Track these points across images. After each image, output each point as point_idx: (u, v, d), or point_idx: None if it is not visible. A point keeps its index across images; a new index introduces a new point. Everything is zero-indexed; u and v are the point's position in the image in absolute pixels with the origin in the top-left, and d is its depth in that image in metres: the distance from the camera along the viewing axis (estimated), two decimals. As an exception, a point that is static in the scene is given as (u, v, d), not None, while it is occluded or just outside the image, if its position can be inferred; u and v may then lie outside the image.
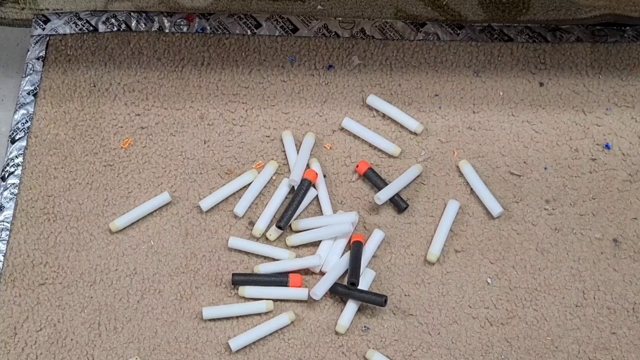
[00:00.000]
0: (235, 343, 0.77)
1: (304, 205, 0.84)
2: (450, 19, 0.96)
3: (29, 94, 0.92)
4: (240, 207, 0.84)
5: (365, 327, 0.79)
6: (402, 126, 0.89)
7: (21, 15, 0.97)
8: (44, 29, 0.95)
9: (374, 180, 0.86)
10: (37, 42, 0.95)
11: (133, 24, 0.96)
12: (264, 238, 0.83)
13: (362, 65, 0.93)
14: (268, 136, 0.89)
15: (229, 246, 0.82)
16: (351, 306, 0.79)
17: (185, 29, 0.95)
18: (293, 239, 0.82)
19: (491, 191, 0.85)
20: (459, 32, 0.95)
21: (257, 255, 0.82)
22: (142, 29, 0.95)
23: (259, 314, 0.79)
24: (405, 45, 0.94)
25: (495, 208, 0.84)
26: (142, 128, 0.89)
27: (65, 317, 0.79)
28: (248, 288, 0.79)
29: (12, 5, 0.96)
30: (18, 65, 0.98)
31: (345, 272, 0.81)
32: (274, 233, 0.83)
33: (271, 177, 0.86)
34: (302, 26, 0.96)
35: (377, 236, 0.83)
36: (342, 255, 0.82)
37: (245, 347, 0.78)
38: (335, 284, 0.80)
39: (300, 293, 0.80)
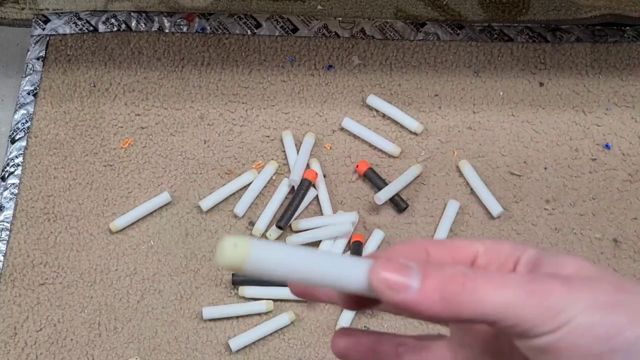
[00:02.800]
0: (235, 343, 0.77)
1: (304, 205, 0.84)
2: (450, 19, 0.96)
3: (29, 94, 0.92)
4: (240, 207, 0.84)
5: (365, 327, 0.79)
6: (402, 126, 0.89)
7: (21, 15, 0.97)
8: (44, 29, 0.95)
9: (374, 180, 0.86)
10: (37, 42, 0.95)
11: (133, 24, 0.96)
12: (264, 238, 0.83)
13: (362, 65, 0.93)
14: (268, 136, 0.89)
15: (229, 246, 0.82)
16: (351, 306, 0.79)
17: (185, 29, 0.95)
18: (293, 239, 0.82)
19: (491, 191, 0.85)
20: (459, 32, 0.95)
21: (257, 255, 0.82)
22: (142, 29, 0.95)
23: (259, 314, 0.79)
24: (405, 45, 0.94)
25: (495, 208, 0.84)
26: (142, 128, 0.89)
27: (65, 317, 0.79)
28: (248, 288, 0.80)
29: (12, 5, 0.96)
30: (18, 65, 0.98)
31: (345, 272, 0.81)
32: (274, 233, 0.83)
33: (271, 177, 0.86)
34: (302, 26, 0.96)
35: (377, 236, 0.83)
36: (342, 255, 0.82)
37: (245, 347, 0.78)
38: (335, 284, 0.79)
39: (300, 293, 0.80)
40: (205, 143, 0.89)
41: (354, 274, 0.28)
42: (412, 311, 0.29)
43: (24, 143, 0.88)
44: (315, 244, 0.83)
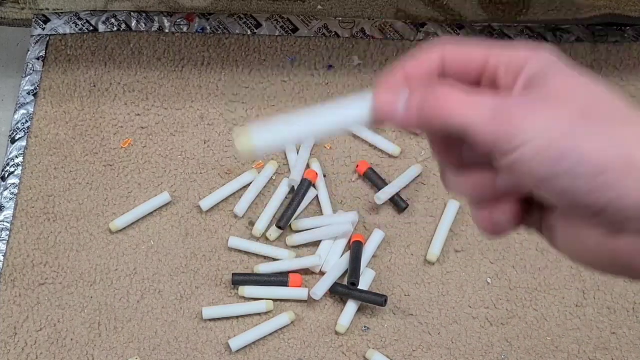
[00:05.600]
0: (235, 343, 0.77)
1: (304, 205, 0.84)
2: (450, 19, 0.96)
3: (29, 94, 0.92)
4: (240, 207, 0.84)
5: (365, 327, 0.79)
6: (402, 126, 0.89)
7: (21, 15, 0.97)
8: (44, 29, 0.95)
9: (374, 180, 0.86)
10: (37, 42, 0.95)
11: (133, 24, 0.96)
12: (264, 238, 0.83)
13: (362, 65, 0.93)
14: (268, 136, 0.89)
15: (229, 246, 0.82)
16: (351, 306, 0.79)
17: (185, 29, 0.95)
18: (293, 239, 0.82)
19: (491, 191, 0.85)
20: (459, 32, 0.95)
21: (257, 255, 0.82)
22: (142, 29, 0.95)
23: (259, 314, 0.79)
24: (405, 45, 0.94)
25: (495, 208, 0.84)
26: (142, 128, 0.89)
27: (65, 317, 0.79)
28: (248, 288, 0.79)
29: (12, 5, 0.96)
30: (18, 65, 0.98)
31: (345, 272, 0.81)
32: (274, 233, 0.83)
33: (271, 177, 0.86)
34: (302, 26, 0.96)
35: (377, 236, 0.83)
36: (342, 255, 0.82)
37: (245, 347, 0.78)
38: (335, 284, 0.80)
39: (300, 293, 0.80)
40: (205, 143, 0.89)
41: (357, 113, 0.33)
42: (400, 126, 0.35)
43: (24, 143, 0.88)
44: (316, 244, 0.83)
